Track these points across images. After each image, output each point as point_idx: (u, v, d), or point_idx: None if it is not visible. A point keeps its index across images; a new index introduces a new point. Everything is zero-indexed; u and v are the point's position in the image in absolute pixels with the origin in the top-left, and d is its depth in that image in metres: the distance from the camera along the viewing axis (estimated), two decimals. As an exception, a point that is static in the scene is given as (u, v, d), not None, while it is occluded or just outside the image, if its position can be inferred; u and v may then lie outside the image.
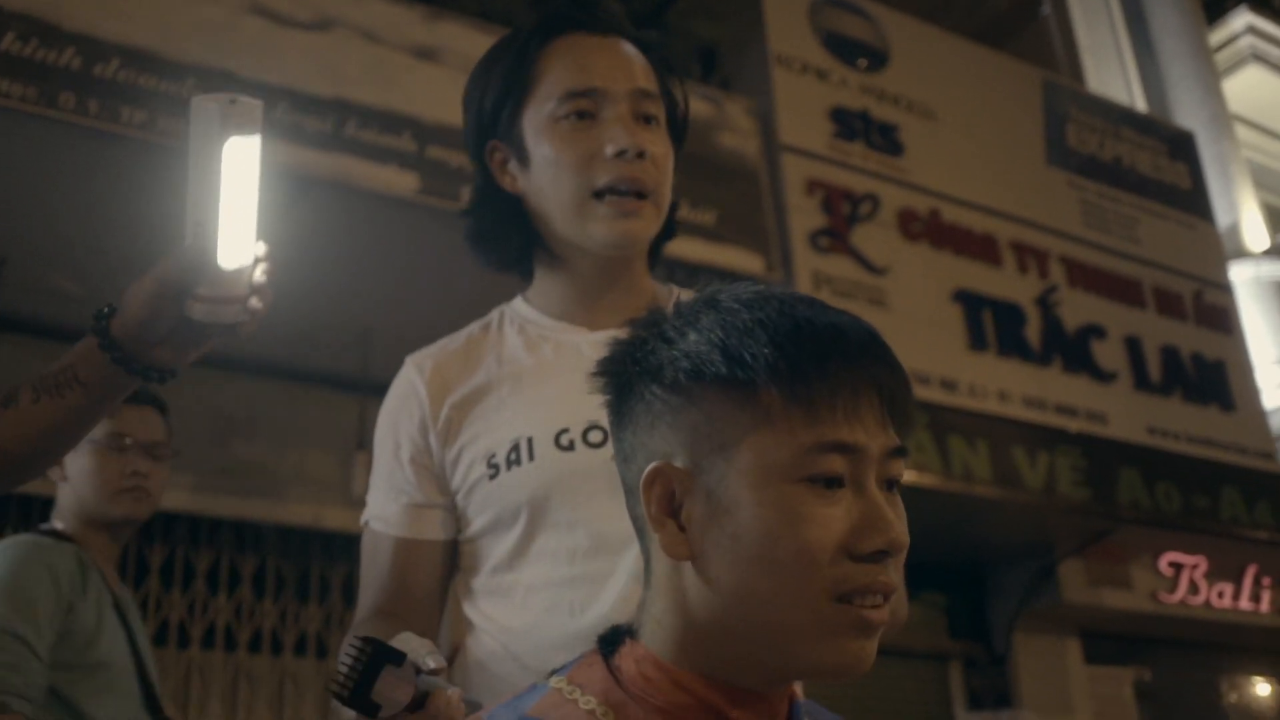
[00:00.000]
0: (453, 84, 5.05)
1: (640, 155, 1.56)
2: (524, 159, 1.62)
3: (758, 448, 0.98)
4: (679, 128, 1.71)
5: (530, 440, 1.54)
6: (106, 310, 1.40)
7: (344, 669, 1.09)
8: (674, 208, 1.71)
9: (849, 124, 6.73)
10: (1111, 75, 9.27)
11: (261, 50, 4.73)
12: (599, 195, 1.56)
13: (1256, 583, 8.64)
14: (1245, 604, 8.55)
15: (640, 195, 1.58)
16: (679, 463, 1.01)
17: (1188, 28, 9.63)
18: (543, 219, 1.63)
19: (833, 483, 0.98)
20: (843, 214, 6.41)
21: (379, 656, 1.10)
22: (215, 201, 1.32)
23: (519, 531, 1.54)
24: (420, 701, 1.12)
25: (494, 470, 1.55)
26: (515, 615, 1.52)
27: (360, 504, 1.69)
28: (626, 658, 1.05)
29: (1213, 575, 8.32)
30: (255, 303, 1.40)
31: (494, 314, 1.74)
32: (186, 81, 4.49)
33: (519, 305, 1.72)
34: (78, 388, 1.41)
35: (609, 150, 1.55)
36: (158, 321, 1.38)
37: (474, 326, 1.72)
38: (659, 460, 1.02)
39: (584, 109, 1.58)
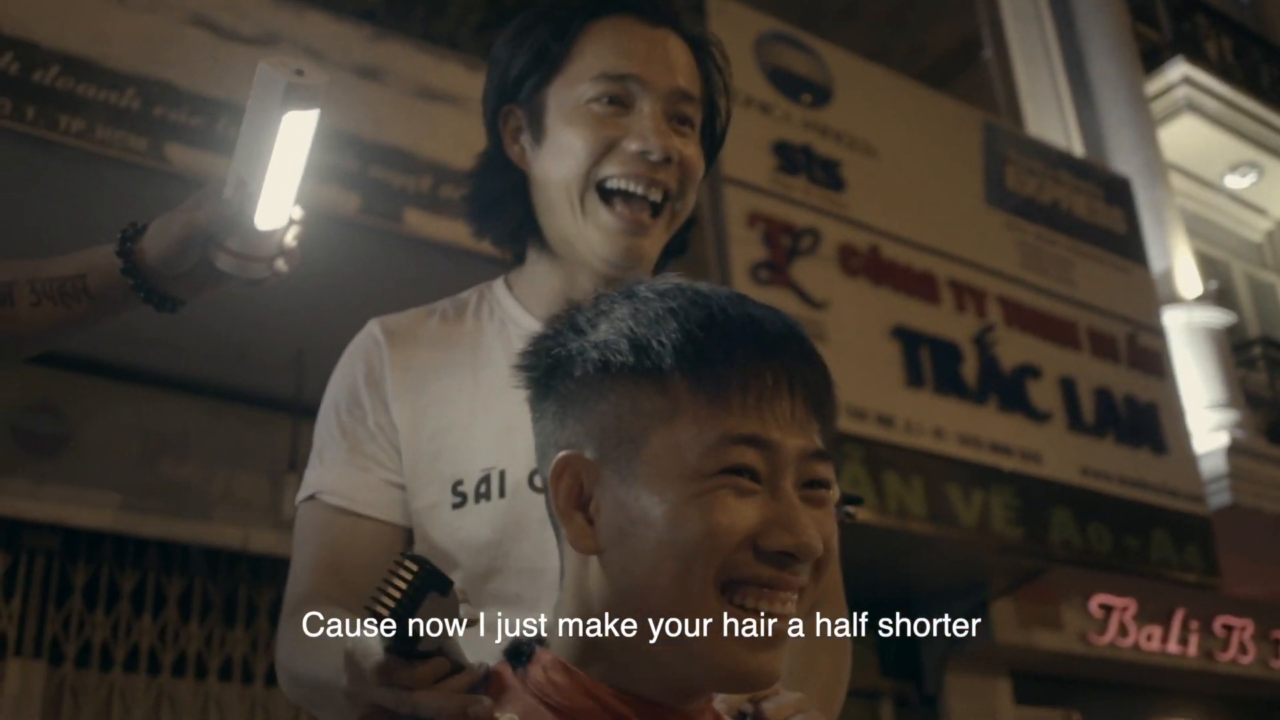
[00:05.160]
0: (396, 104, 5.10)
1: (666, 160, 1.43)
2: (539, 135, 1.48)
3: (667, 438, 0.95)
4: (715, 139, 1.59)
5: (503, 475, 1.41)
6: (131, 231, 1.42)
7: (386, 585, 0.98)
8: (690, 223, 1.57)
9: (791, 158, 6.75)
10: (1050, 120, 9.39)
11: (203, 63, 4.66)
12: (607, 196, 1.44)
13: (1184, 626, 8.72)
14: (1173, 647, 8.62)
15: (654, 207, 1.45)
16: (589, 454, 0.99)
17: (1125, 76, 9.76)
18: (543, 204, 1.49)
19: (744, 473, 0.94)
20: (783, 247, 6.42)
21: (427, 579, 0.99)
22: (263, 165, 1.35)
23: (479, 569, 1.40)
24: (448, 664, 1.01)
25: (460, 499, 1.42)
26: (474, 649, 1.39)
27: (291, 526, 1.54)
28: (535, 664, 1.01)
29: (1142, 617, 8.39)
30: (281, 265, 1.43)
31: (471, 295, 1.59)
32: (126, 91, 4.42)
33: (501, 293, 1.56)
34: (85, 300, 1.43)
35: (633, 146, 1.42)
36: (182, 261, 1.40)
37: (446, 305, 1.57)
38: (567, 451, 0.99)
39: (617, 95, 1.44)
